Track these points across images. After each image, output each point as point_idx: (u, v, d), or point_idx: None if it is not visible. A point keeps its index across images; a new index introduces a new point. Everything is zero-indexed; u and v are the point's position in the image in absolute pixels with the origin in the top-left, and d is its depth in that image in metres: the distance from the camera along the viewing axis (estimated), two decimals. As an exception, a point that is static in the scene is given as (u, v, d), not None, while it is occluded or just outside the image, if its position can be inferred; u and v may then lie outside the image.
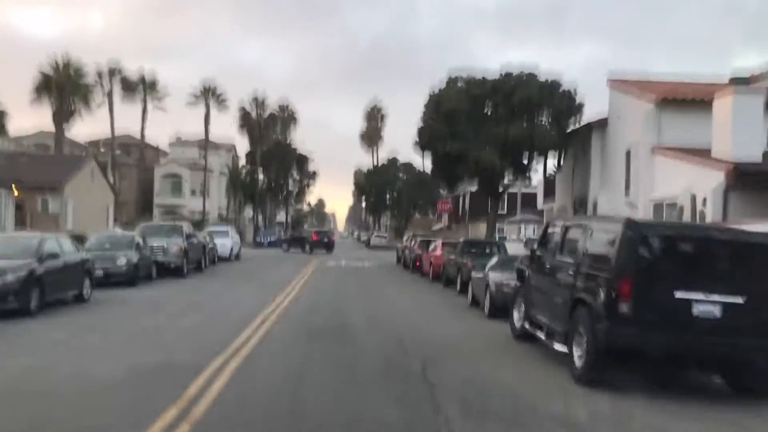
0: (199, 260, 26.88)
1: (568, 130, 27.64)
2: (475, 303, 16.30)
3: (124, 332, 11.50)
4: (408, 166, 66.65)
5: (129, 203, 66.31)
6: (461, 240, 24.54)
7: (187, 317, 13.46)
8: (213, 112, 65.86)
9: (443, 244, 25.10)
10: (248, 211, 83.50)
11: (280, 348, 10.20)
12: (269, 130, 73.49)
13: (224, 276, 25.46)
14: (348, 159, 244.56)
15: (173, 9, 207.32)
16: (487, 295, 14.35)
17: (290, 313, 14.22)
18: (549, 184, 35.18)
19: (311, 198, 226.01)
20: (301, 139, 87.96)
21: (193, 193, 69.19)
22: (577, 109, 26.94)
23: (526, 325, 10.69)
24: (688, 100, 21.65)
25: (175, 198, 68.75)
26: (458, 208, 73.42)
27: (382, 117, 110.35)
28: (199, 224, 64.21)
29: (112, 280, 18.22)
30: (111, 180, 61.91)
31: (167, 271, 22.43)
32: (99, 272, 17.05)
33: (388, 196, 66.24)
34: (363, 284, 23.29)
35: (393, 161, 67.01)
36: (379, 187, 64.22)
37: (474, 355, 10.42)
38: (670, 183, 20.19)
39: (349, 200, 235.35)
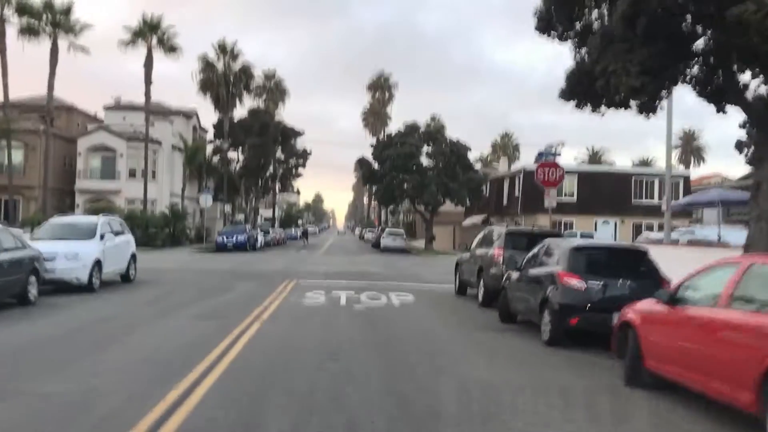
0: None
1: None
2: None
3: None
4: (432, 134, 46.27)
5: (36, 189, 46.56)
6: None
7: None
8: (163, 64, 46.59)
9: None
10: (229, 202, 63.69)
11: None
12: (240, 89, 53.38)
13: None
14: (348, 157, 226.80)
15: (169, 3, 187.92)
16: None
17: None
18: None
19: (306, 190, 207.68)
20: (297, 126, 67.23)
21: (132, 174, 49.40)
22: None
23: None
24: None
25: (106, 180, 48.93)
26: (498, 197, 53.62)
27: (390, 90, 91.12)
28: (132, 219, 44.56)
29: None
30: (6, 152, 42.43)
31: None
32: None
33: (404, 177, 45.93)
34: None
35: (413, 127, 46.94)
36: (394, 162, 43.78)
37: None
38: None
39: (349, 197, 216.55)
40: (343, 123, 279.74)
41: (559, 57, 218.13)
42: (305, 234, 60.60)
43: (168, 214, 47.39)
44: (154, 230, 43.67)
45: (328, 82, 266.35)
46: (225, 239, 43.18)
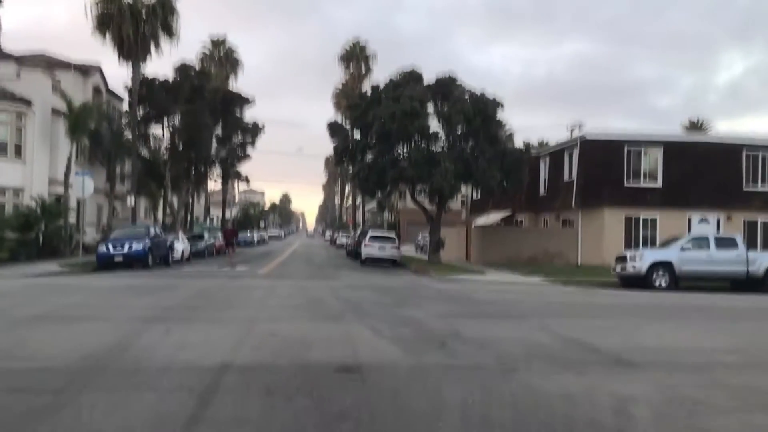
0: None
1: None
2: None
3: None
4: (445, 84, 29.76)
5: None
6: None
7: None
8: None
9: None
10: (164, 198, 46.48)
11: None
12: (155, 29, 36.48)
13: None
14: (321, 159, 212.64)
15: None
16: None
17: None
18: None
19: (274, 191, 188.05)
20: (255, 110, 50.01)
21: (-17, 149, 32.37)
22: None
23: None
24: None
25: (-62, 159, 31.80)
26: (531, 184, 37.33)
27: (367, 62, 74.52)
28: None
29: None
30: None
31: None
32: None
33: (401, 151, 29.39)
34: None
35: (412, 76, 30.38)
36: (386, 125, 26.96)
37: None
38: None
39: (320, 199, 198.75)
40: (316, 126, 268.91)
41: (534, 61, 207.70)
42: (229, 238, 35.59)
43: (35, 209, 30.62)
44: (-2, 235, 26.98)
45: (302, 85, 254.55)
46: (111, 249, 26.45)
